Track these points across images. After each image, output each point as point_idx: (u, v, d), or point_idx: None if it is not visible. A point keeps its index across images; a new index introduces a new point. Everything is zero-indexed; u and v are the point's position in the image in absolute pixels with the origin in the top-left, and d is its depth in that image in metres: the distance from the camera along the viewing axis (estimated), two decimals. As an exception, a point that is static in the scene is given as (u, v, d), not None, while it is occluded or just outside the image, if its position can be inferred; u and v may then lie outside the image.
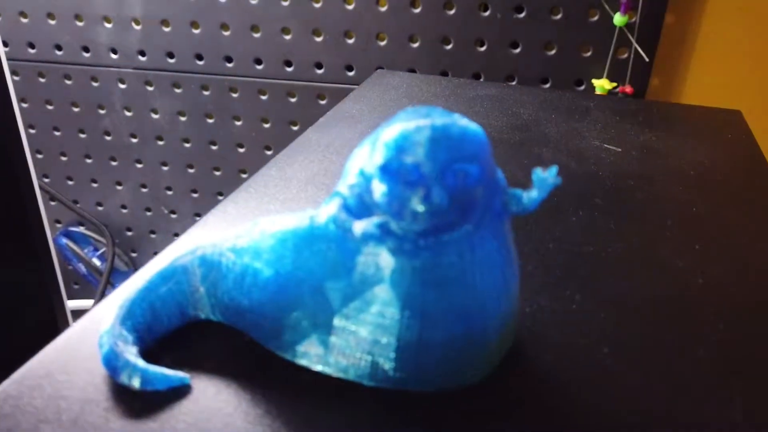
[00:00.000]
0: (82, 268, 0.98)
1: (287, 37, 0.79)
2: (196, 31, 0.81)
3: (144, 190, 0.93)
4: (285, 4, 0.77)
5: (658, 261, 0.33)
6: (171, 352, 0.25)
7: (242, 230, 0.26)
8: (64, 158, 0.92)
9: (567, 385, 0.24)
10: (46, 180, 0.94)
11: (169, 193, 0.93)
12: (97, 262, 0.97)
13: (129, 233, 0.97)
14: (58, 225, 0.98)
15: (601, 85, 0.75)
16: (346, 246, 0.23)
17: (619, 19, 0.71)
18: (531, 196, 0.23)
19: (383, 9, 0.76)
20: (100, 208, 0.95)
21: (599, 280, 0.31)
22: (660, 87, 0.78)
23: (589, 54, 0.74)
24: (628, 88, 0.76)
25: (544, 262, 0.32)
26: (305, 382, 0.24)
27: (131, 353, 0.23)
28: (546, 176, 0.22)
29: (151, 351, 0.25)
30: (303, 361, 0.24)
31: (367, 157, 0.22)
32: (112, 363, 0.23)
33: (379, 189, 0.21)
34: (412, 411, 0.23)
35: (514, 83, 0.77)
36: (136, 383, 0.23)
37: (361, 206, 0.22)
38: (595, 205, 0.38)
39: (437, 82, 0.58)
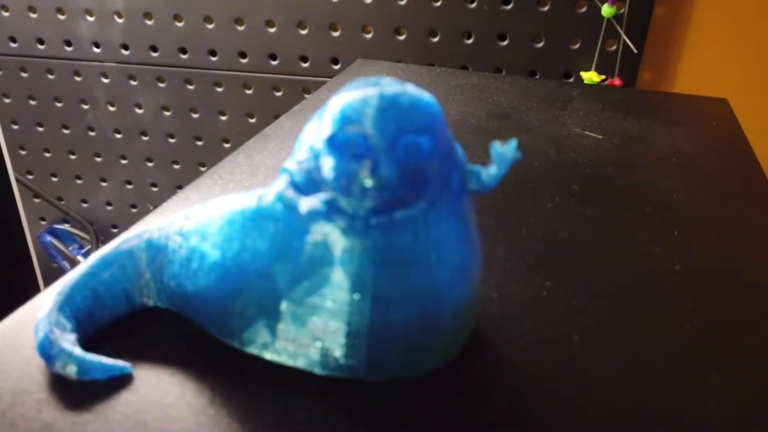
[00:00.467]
0: (68, 266, 0.96)
1: (272, 30, 0.78)
2: (180, 24, 0.79)
3: (129, 186, 0.92)
4: (269, -4, 0.76)
5: (635, 248, 0.31)
6: (113, 340, 0.24)
7: (191, 212, 0.24)
8: (47, 154, 0.91)
9: (531, 373, 0.23)
10: (30, 177, 0.93)
11: (155, 189, 0.91)
12: (82, 260, 0.96)
13: (114, 230, 0.95)
14: (43, 222, 0.96)
15: (590, 77, 0.74)
16: (295, 226, 0.21)
17: (607, 10, 0.70)
18: (490, 172, 0.21)
19: (369, 1, 0.74)
20: (84, 205, 0.94)
21: (572, 267, 0.30)
22: (650, 79, 0.77)
23: (577, 46, 0.73)
24: (617, 81, 0.74)
25: (516, 248, 0.31)
26: (253, 370, 0.23)
27: (68, 341, 0.22)
28: (505, 151, 0.21)
29: (91, 339, 0.23)
30: (251, 349, 0.23)
31: (316, 131, 0.21)
32: (47, 351, 0.22)
33: (326, 164, 0.20)
34: (365, 401, 0.22)
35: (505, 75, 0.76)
36: (71, 372, 0.22)
37: (310, 183, 0.21)
38: (573, 192, 0.37)
39: (418, 71, 0.56)
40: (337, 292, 0.21)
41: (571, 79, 0.75)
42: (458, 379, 0.23)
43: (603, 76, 0.73)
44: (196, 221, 0.24)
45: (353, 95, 0.20)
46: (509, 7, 0.72)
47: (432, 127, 0.20)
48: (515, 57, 0.74)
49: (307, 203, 0.20)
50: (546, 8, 0.72)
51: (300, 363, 0.22)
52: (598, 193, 0.37)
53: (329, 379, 0.22)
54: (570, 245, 0.31)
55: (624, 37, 0.71)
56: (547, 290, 0.28)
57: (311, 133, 0.21)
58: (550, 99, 0.51)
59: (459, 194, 0.22)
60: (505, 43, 0.74)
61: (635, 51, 0.71)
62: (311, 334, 0.22)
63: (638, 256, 0.31)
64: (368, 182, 0.19)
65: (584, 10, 0.71)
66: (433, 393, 0.22)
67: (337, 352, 0.21)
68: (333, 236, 0.21)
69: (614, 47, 0.72)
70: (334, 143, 0.20)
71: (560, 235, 0.32)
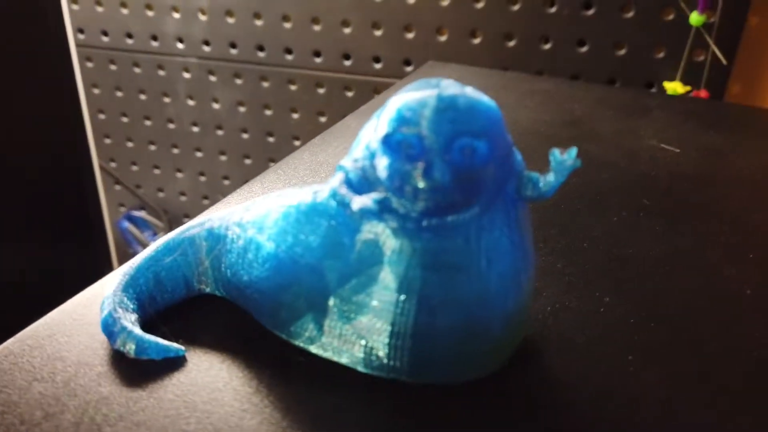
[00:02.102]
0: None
1: (347, 30, 0.79)
2: (259, 22, 0.82)
3: (202, 178, 0.95)
4: (346, -3, 0.77)
5: (706, 268, 0.30)
6: (170, 323, 0.24)
7: (251, 204, 0.25)
8: (129, 144, 0.96)
9: (580, 390, 0.22)
10: (113, 164, 0.98)
11: (226, 182, 0.95)
12: (156, 245, 1.00)
13: (186, 220, 0.99)
14: (122, 209, 1.01)
15: (674, 88, 0.70)
16: (347, 223, 0.22)
17: (695, 18, 0.66)
18: (548, 180, 0.21)
19: (445, 3, 0.74)
20: (160, 194, 0.99)
21: (635, 284, 0.28)
22: (740, 93, 0.72)
23: (661, 55, 0.70)
24: (703, 93, 0.71)
25: (576, 262, 0.30)
26: (300, 363, 0.23)
27: (129, 320, 0.23)
28: (564, 158, 0.20)
29: (150, 321, 0.24)
30: (298, 342, 0.23)
31: (374, 130, 0.21)
32: (110, 328, 0.23)
33: (381, 163, 0.20)
34: (405, 404, 0.22)
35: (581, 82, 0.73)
36: (130, 350, 0.23)
37: (364, 182, 0.21)
38: (642, 206, 0.35)
39: (489, 74, 0.56)
40: (384, 292, 0.21)
41: (653, 89, 0.72)
42: (503, 389, 0.22)
43: (688, 88, 0.70)
44: (255, 213, 0.24)
45: (411, 96, 0.20)
46: (591, 12, 0.70)
47: (489, 130, 0.20)
48: (594, 64, 0.72)
49: (359, 201, 0.20)
50: (630, 14, 0.69)
51: (344, 359, 0.22)
52: (670, 208, 0.35)
53: (372, 378, 0.22)
54: (634, 261, 0.30)
55: (713, 47, 0.67)
56: (605, 306, 0.27)
57: (369, 132, 0.21)
58: (627, 109, 0.50)
59: (514, 201, 0.21)
60: (584, 49, 0.72)
61: (725, 62, 0.67)
62: (356, 332, 0.22)
63: (708, 277, 0.29)
64: (421, 183, 0.19)
65: (671, 17, 0.68)
66: (474, 402, 0.22)
67: (381, 352, 0.21)
68: (383, 236, 0.21)
69: (702, 57, 0.69)
70: (389, 143, 0.20)
71: (625, 250, 0.31)
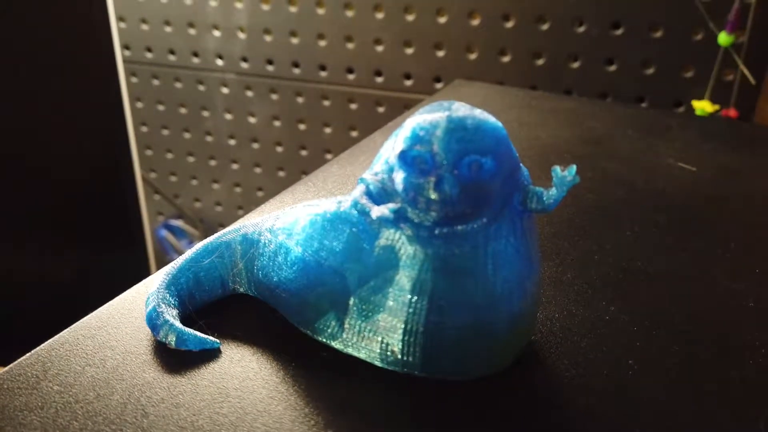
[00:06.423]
0: (179, 257, 1.05)
1: (379, 48, 0.82)
2: (295, 40, 0.85)
3: (237, 189, 0.99)
4: (379, 16, 0.80)
5: (710, 281, 0.31)
6: (208, 318, 0.27)
7: (281, 213, 0.28)
8: (169, 155, 1.00)
9: (579, 391, 0.24)
10: (153, 175, 1.02)
11: (260, 194, 0.98)
12: (192, 252, 1.04)
13: (221, 229, 1.03)
14: (160, 217, 1.06)
15: (702, 107, 0.71)
16: (367, 230, 0.24)
17: (724, 38, 0.67)
18: (550, 194, 0.23)
19: (475, 22, 0.76)
20: (197, 204, 1.02)
21: (640, 295, 0.30)
22: (768, 112, 0.73)
23: (690, 74, 0.71)
24: (732, 112, 0.71)
25: (585, 273, 0.31)
26: (323, 357, 0.25)
27: (171, 315, 0.26)
28: (564, 175, 0.22)
29: (189, 316, 0.27)
30: (321, 338, 0.25)
31: (392, 147, 0.23)
32: (153, 321, 0.26)
33: (397, 177, 0.22)
34: (417, 397, 0.24)
35: (608, 101, 0.75)
36: (171, 341, 0.25)
37: (383, 193, 0.23)
38: (655, 222, 0.36)
39: (513, 93, 0.58)
40: (398, 293, 0.23)
41: (681, 108, 0.73)
42: (508, 386, 0.24)
43: (717, 107, 0.70)
44: (285, 220, 0.27)
45: (425, 117, 0.22)
46: (619, 32, 0.71)
47: (495, 148, 0.22)
48: (622, 83, 0.73)
49: (377, 211, 0.23)
50: (658, 34, 0.70)
51: (362, 355, 0.24)
52: (682, 225, 0.37)
53: (387, 372, 0.24)
54: (642, 274, 0.32)
55: (742, 67, 0.68)
56: (610, 314, 0.28)
57: (388, 149, 0.24)
58: (648, 128, 0.51)
59: (520, 213, 0.23)
60: (612, 68, 0.73)
61: (753, 82, 0.68)
62: (374, 329, 0.24)
63: (712, 290, 0.30)
64: (433, 195, 0.22)
65: (700, 37, 0.69)
66: (481, 396, 0.24)
67: (396, 348, 0.23)
68: (399, 242, 0.23)
69: (731, 77, 0.69)
70: (404, 159, 0.22)
71: (634, 264, 0.32)
